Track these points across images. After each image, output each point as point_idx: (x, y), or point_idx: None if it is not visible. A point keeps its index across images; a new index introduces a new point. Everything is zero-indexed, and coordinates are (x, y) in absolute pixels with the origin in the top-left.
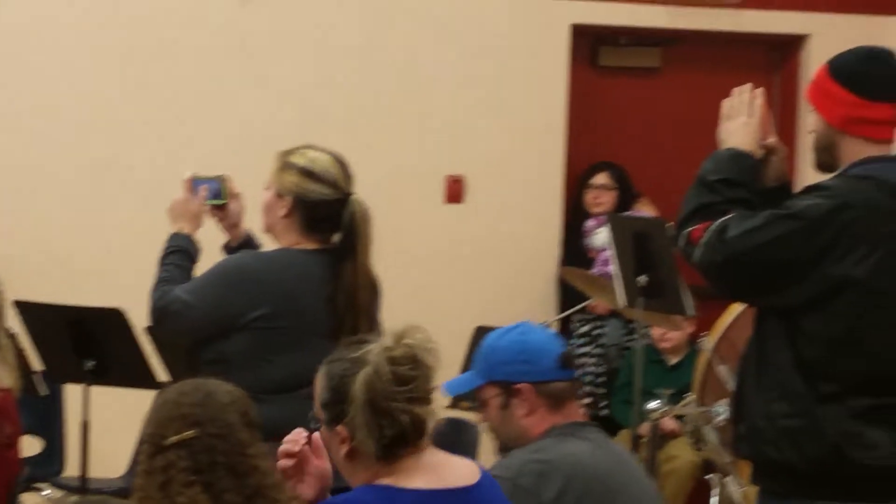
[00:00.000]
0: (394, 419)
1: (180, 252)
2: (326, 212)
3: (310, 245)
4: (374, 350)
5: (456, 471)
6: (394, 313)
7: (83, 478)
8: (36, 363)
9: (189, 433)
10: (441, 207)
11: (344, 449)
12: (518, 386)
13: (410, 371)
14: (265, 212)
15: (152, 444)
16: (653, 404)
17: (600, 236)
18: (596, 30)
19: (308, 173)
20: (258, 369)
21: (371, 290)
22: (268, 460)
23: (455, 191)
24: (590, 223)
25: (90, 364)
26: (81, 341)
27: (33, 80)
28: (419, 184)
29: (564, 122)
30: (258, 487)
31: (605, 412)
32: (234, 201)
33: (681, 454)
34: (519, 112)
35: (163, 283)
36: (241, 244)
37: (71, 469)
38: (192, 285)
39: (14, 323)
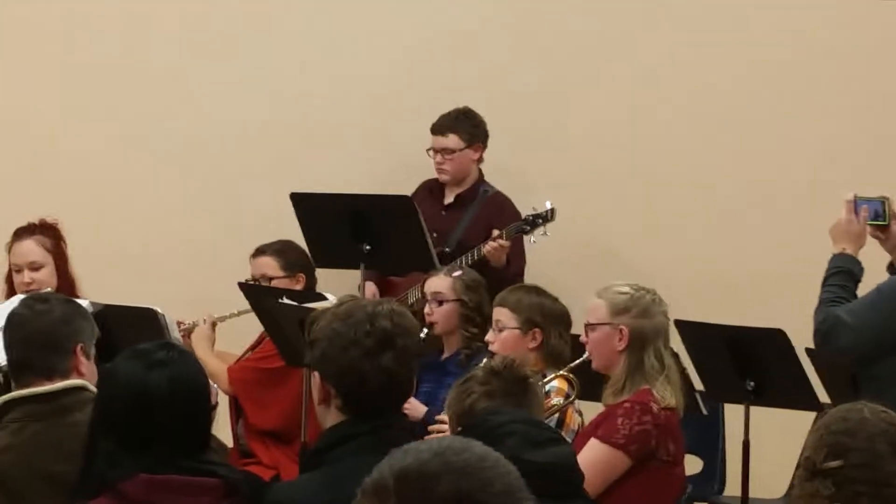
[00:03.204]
0: None
1: (843, 272)
2: None
3: None
4: None
5: None
6: None
7: (743, 498)
8: (698, 382)
9: (835, 463)
10: None
11: None
12: None
13: None
14: None
15: (805, 468)
16: None
17: None
18: None
19: None
20: None
21: None
22: None
23: None
24: None
25: (750, 384)
26: (741, 361)
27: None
28: None
29: None
30: None
31: None
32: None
33: None
34: None
35: (826, 304)
36: None
37: (730, 489)
38: (854, 306)
39: (676, 342)
